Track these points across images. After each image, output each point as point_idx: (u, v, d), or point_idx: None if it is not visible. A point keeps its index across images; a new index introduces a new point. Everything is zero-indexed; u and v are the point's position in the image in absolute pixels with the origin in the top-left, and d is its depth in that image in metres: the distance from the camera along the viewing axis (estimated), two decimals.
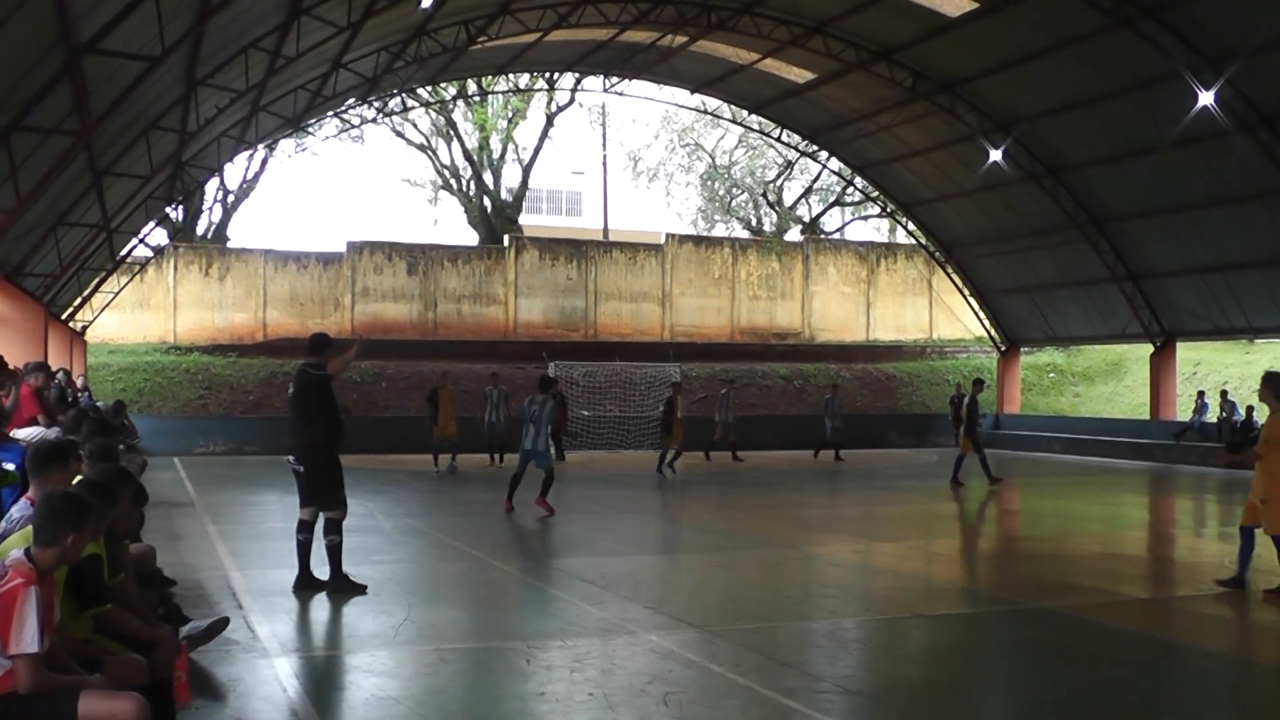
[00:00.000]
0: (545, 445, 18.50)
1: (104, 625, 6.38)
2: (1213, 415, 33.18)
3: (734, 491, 23.88)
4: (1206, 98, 26.23)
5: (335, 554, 11.64)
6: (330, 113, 35.63)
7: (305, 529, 11.80)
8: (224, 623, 9.22)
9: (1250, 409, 31.58)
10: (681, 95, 39.67)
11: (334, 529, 11.69)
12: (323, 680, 8.41)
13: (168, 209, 32.00)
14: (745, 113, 41.07)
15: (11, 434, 11.17)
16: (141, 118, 20.50)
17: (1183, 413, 35.62)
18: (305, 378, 11.76)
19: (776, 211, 54.22)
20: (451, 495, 22.43)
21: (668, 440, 28.06)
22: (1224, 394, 33.25)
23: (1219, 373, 38.80)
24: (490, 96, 45.60)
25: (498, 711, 7.64)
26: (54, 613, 5.44)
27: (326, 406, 11.81)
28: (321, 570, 11.69)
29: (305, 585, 11.60)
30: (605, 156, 56.26)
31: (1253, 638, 10.55)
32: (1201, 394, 34.70)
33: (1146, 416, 36.61)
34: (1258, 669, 9.38)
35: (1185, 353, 38.00)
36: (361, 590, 11.42)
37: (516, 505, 18.70)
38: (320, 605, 10.99)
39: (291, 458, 11.83)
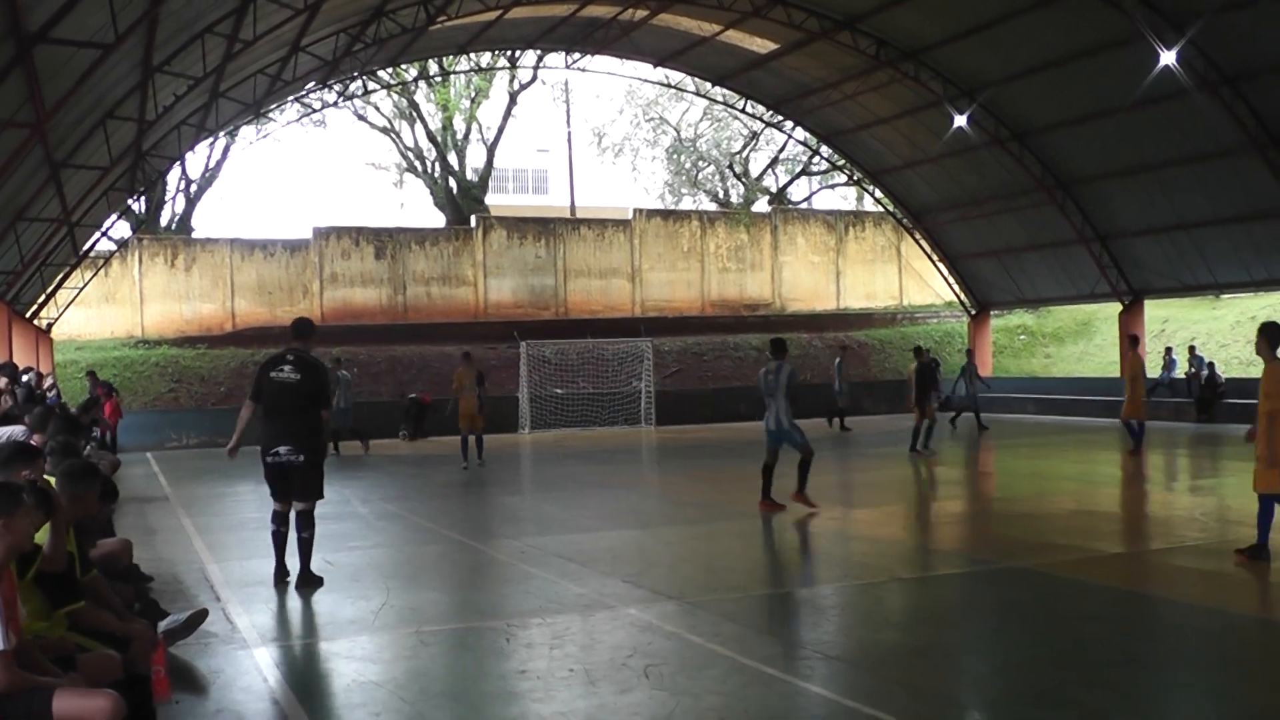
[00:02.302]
0: (791, 422, 15.50)
1: (78, 622, 6.34)
2: (1181, 371, 33.35)
3: (709, 463, 23.91)
4: (1168, 57, 26.32)
5: (311, 548, 11.30)
6: (290, 97, 35.36)
7: (282, 520, 11.36)
8: (203, 615, 9.19)
9: (1212, 365, 31.79)
10: (644, 69, 39.56)
11: (311, 521, 11.33)
12: (303, 668, 8.39)
13: (130, 200, 31.67)
14: (709, 85, 41.02)
15: None
16: (98, 107, 20.29)
17: (1152, 370, 35.74)
18: (313, 363, 11.29)
19: (743, 183, 54.19)
20: (428, 479, 22.41)
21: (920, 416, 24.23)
22: (1192, 350, 33.43)
23: (1187, 329, 39.04)
24: (452, 77, 45.31)
25: (479, 691, 7.64)
26: (17, 609, 5.39)
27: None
28: (290, 562, 11.44)
29: (284, 578, 11.27)
30: (570, 133, 56.13)
31: (1225, 588, 10.61)
32: (1169, 350, 34.87)
33: (1117, 374, 36.79)
34: (1231, 619, 9.44)
35: (1153, 310, 38.21)
36: (320, 581, 11.23)
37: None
38: (298, 594, 10.95)
39: (285, 449, 11.03)
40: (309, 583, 11.11)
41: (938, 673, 7.99)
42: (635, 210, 47.33)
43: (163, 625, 8.40)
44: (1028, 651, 8.43)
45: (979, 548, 12.98)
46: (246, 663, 8.48)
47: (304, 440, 11.09)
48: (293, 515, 11.33)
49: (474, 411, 23.27)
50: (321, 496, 11.44)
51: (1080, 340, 44.36)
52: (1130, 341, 23.61)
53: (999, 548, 12.73)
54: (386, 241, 43.12)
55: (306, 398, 11.08)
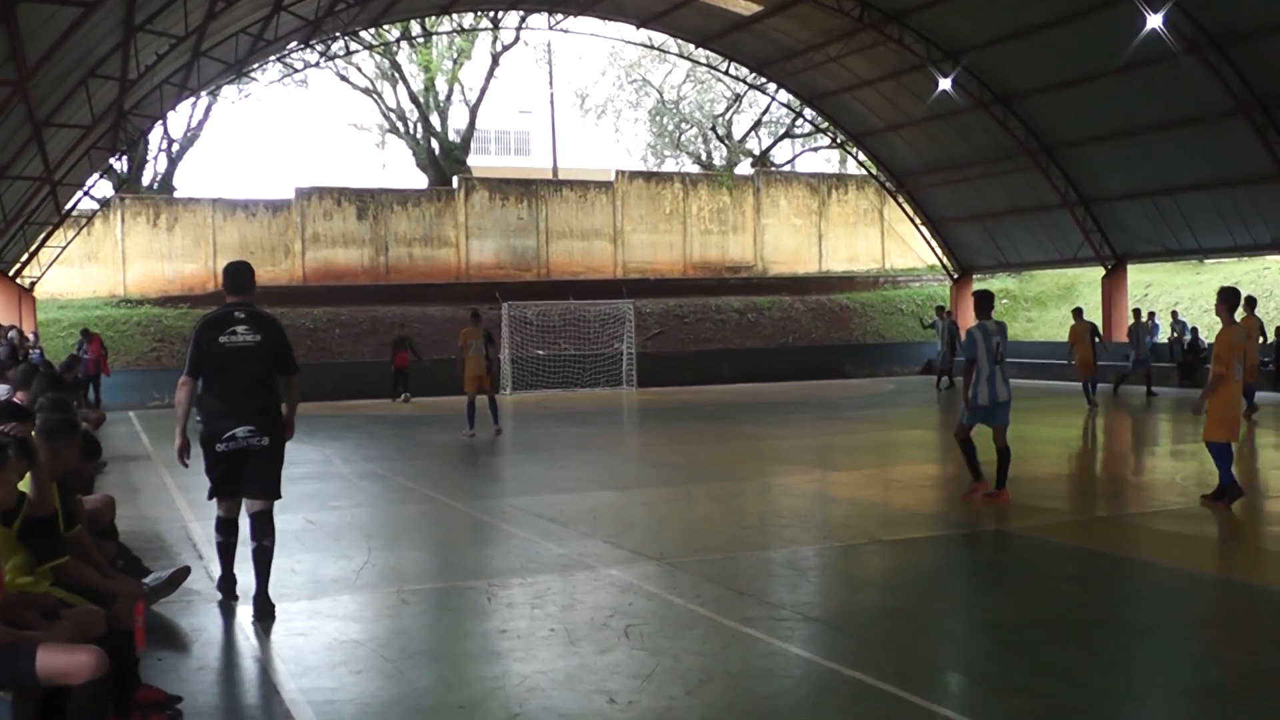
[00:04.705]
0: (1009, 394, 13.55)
1: (62, 578, 6.35)
2: (1164, 336, 33.48)
3: (690, 425, 23.97)
4: (1155, 20, 26.24)
5: (271, 561, 8.94)
6: (273, 57, 35.15)
7: (232, 529, 9.00)
8: (185, 573, 9.23)
9: (1195, 330, 31.92)
10: (627, 30, 39.30)
11: (273, 526, 8.94)
12: (285, 627, 8.39)
13: (111, 159, 31.55)
14: (692, 46, 40.83)
15: None
16: (80, 66, 20.17)
17: None
18: (269, 319, 9.00)
19: (726, 145, 54.03)
20: (410, 439, 22.42)
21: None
22: (1175, 315, 33.54)
23: (1170, 294, 39.14)
24: (434, 38, 45.08)
25: (460, 650, 7.69)
26: (0, 565, 5.42)
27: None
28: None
29: (233, 589, 9.12)
30: (552, 94, 55.87)
31: (1201, 550, 10.72)
32: (1153, 315, 34.99)
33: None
34: (1207, 581, 9.54)
35: (1136, 275, 38.28)
36: (273, 610, 8.69)
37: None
38: (280, 552, 10.94)
39: (245, 430, 8.65)
40: (266, 611, 8.63)
41: (917, 634, 8.05)
42: (617, 172, 47.21)
43: (146, 582, 8.43)
44: (1006, 613, 8.51)
45: (959, 510, 13.04)
46: (229, 621, 8.52)
47: (268, 418, 8.79)
48: (246, 520, 8.91)
49: (481, 372, 21.81)
50: (280, 495, 9.01)
51: (1063, 304, 44.37)
52: (1247, 303, 22.92)
53: (979, 510, 12.80)
54: (369, 202, 42.96)
55: (270, 365, 8.86)
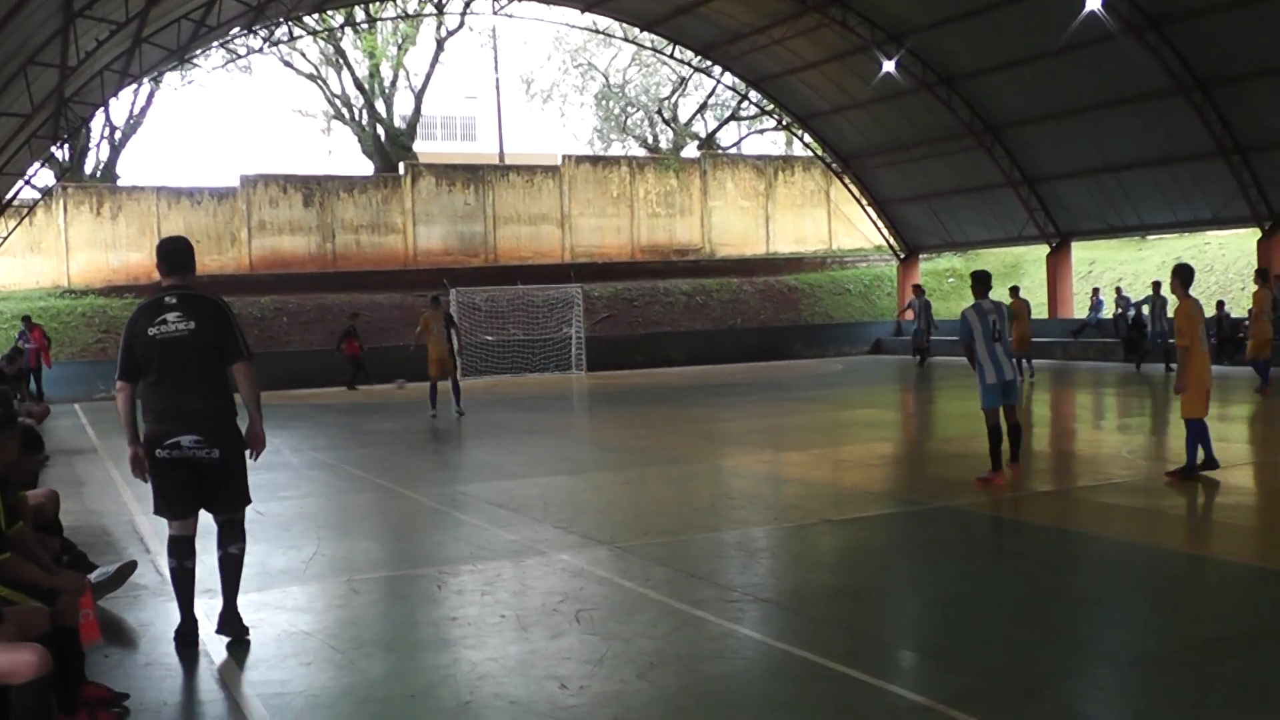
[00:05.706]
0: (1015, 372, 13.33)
1: (4, 575, 6.26)
2: (1108, 311, 33.83)
3: (640, 408, 23.99)
4: (1094, 2, 26.51)
5: (241, 569, 7.93)
6: (215, 43, 34.81)
7: (187, 550, 7.62)
8: (132, 567, 9.14)
9: (1139, 305, 32.25)
10: (572, 15, 39.22)
11: (242, 531, 7.90)
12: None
13: (53, 148, 31.17)
14: (637, 30, 40.77)
15: None
16: (18, 53, 19.90)
17: (1079, 310, 36.30)
18: (207, 301, 7.55)
19: (672, 128, 54.04)
20: (359, 427, 22.32)
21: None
22: (1118, 290, 33.90)
23: (1113, 270, 39.55)
24: (379, 23, 44.78)
25: (411, 638, 7.66)
26: None
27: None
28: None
29: (193, 640, 7.60)
30: (498, 80, 55.68)
31: (1147, 523, 10.84)
32: (1096, 291, 35.39)
33: (1045, 315, 37.23)
34: (1156, 553, 9.64)
35: (1080, 252, 38.63)
36: (247, 632, 7.76)
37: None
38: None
39: (190, 439, 7.36)
40: (235, 627, 7.76)
41: (868, 613, 8.09)
42: (564, 156, 47.10)
43: (92, 577, 8.34)
44: (956, 589, 8.56)
45: (909, 488, 13.13)
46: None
47: (215, 422, 7.47)
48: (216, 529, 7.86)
49: (443, 356, 22.23)
50: (250, 500, 7.98)
51: (1008, 282, 44.69)
52: (1259, 276, 22.59)
53: (928, 488, 12.89)
54: (315, 189, 42.65)
55: (209, 354, 7.45)
